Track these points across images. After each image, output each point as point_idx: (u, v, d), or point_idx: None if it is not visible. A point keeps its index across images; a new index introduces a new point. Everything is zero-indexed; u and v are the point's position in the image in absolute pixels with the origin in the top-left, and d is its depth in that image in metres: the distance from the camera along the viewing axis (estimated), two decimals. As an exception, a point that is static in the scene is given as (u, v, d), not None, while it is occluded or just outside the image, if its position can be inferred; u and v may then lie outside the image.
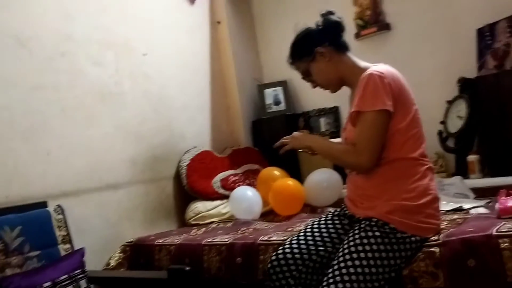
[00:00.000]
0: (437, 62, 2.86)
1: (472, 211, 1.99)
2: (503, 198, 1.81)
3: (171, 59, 3.05)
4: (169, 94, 3.00)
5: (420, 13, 2.93)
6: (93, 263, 2.30)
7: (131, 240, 2.52)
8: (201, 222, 2.78)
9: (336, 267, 1.51)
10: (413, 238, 1.55)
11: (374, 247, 1.51)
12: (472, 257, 1.45)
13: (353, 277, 1.46)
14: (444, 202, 2.20)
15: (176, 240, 2.36)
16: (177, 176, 2.91)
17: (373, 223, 1.56)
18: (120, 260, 2.46)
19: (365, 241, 1.52)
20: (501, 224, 1.55)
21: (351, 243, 1.54)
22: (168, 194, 2.88)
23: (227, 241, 2.16)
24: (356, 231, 1.57)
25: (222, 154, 3.17)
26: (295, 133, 1.84)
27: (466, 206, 2.10)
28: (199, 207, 2.81)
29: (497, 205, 1.79)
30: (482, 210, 2.00)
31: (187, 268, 1.74)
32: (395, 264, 1.53)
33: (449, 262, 1.49)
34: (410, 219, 1.56)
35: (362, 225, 1.58)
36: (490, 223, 1.60)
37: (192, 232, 2.57)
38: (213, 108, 3.33)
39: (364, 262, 1.48)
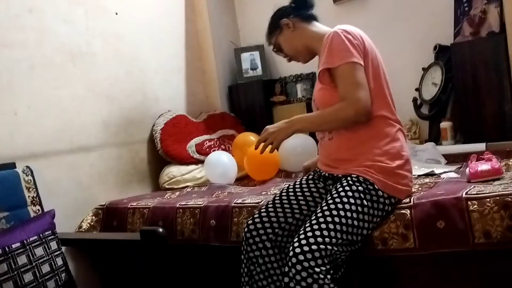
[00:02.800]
0: (414, 29, 2.85)
1: (443, 176, 2.03)
2: (473, 162, 1.84)
3: (144, 20, 2.96)
4: (142, 55, 2.91)
5: (398, -22, 2.90)
6: (65, 226, 2.28)
7: (104, 203, 2.49)
8: (175, 187, 2.76)
9: (314, 220, 1.49)
10: (389, 200, 1.58)
11: (358, 201, 1.52)
12: (442, 219, 1.48)
13: (331, 226, 1.46)
14: (416, 167, 2.23)
15: (149, 203, 2.34)
16: (151, 140, 2.87)
17: (354, 179, 1.58)
18: (92, 223, 2.44)
19: (348, 194, 1.53)
20: (471, 187, 1.58)
21: (331, 199, 1.54)
22: (142, 158, 2.84)
23: (201, 204, 2.15)
24: (338, 187, 1.58)
25: (197, 119, 3.13)
26: (269, 127, 1.72)
27: (437, 171, 2.14)
28: (174, 171, 2.79)
29: (467, 170, 1.82)
30: (453, 174, 2.04)
31: (160, 230, 1.72)
32: (372, 221, 1.55)
33: (419, 224, 1.51)
34: (387, 179, 1.58)
35: (344, 182, 1.59)
36: (461, 186, 1.63)
37: (166, 196, 2.56)
38: (188, 72, 3.27)
39: (347, 214, 1.49)
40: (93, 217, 2.46)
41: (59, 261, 1.85)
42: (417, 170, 2.21)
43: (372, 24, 3.00)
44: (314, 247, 1.42)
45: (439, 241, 1.47)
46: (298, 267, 1.40)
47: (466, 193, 1.51)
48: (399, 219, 1.55)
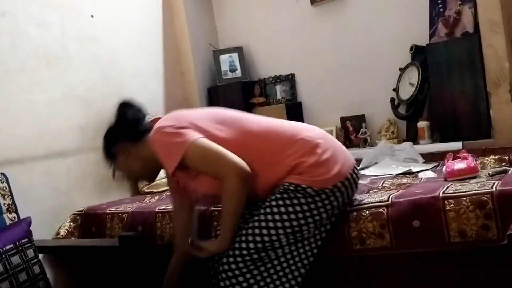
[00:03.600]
0: (391, 30, 2.89)
1: (421, 175, 2.05)
2: (450, 161, 1.87)
3: (121, 22, 2.93)
4: (119, 58, 2.88)
5: (375, -20, 2.93)
6: (43, 233, 2.24)
7: (82, 209, 2.46)
8: (155, 190, 2.74)
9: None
10: (317, 194, 1.54)
11: (282, 209, 1.52)
12: (417, 218, 1.49)
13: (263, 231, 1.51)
14: (393, 166, 2.26)
15: (128, 208, 2.32)
16: (130, 143, 2.83)
17: (279, 191, 1.56)
18: (70, 230, 2.40)
19: (268, 210, 1.54)
20: (448, 186, 1.60)
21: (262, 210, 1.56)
22: (120, 162, 2.81)
23: (181, 208, 2.13)
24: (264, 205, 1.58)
25: (176, 122, 3.11)
26: (213, 250, 1.60)
27: (415, 169, 2.16)
28: (153, 175, 2.76)
29: (444, 169, 1.85)
30: (429, 173, 2.06)
31: (137, 235, 1.71)
32: (311, 222, 1.54)
33: (394, 223, 1.53)
34: (311, 177, 1.55)
35: (271, 198, 1.58)
36: (438, 185, 1.65)
37: (145, 200, 2.53)
38: (166, 74, 3.24)
39: (271, 224, 1.52)
40: (71, 223, 2.42)
41: (37, 269, 1.83)
42: (395, 169, 2.24)
43: (350, 26, 3.04)
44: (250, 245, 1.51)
45: (415, 240, 1.49)
46: None
47: (443, 192, 1.53)
48: (376, 219, 1.56)
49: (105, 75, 2.77)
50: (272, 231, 1.52)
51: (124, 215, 2.27)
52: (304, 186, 1.53)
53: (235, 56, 3.43)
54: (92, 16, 2.73)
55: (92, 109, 2.66)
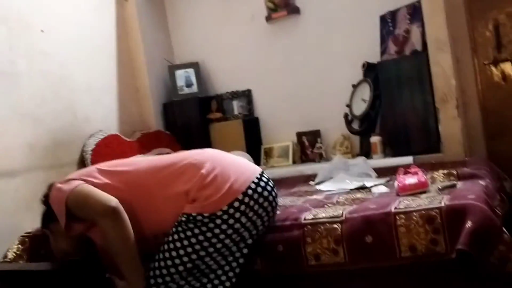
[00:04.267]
0: (344, 47, 2.96)
1: (374, 189, 2.09)
2: (401, 176, 1.92)
3: (72, 37, 2.86)
4: (70, 74, 2.80)
5: (327, -1, 3.00)
6: (-12, 257, 2.13)
7: (30, 231, 2.35)
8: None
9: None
10: (199, 218, 1.48)
11: (178, 244, 1.49)
12: (370, 234, 1.52)
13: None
14: (347, 181, 2.29)
15: (80, 229, 2.24)
16: (82, 161, 2.76)
17: (172, 231, 1.52)
18: (18, 252, 2.28)
19: (165, 247, 1.51)
20: (400, 202, 1.63)
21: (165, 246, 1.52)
22: (72, 180, 2.72)
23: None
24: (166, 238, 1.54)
25: (130, 138, 3.05)
26: None
27: (368, 184, 2.20)
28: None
29: (396, 183, 1.89)
30: (382, 188, 2.11)
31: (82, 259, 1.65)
32: (211, 249, 1.50)
33: (348, 239, 1.54)
34: (193, 208, 1.50)
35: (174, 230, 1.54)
36: (390, 200, 1.68)
37: (99, 220, 2.45)
38: (120, 90, 3.18)
39: (169, 262, 1.49)
40: (19, 246, 2.30)
41: (-20, 296, 1.72)
42: (349, 184, 2.27)
43: (304, 43, 3.09)
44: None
45: (367, 256, 1.51)
46: None
47: (395, 208, 1.56)
48: (330, 235, 1.57)
49: (56, 91, 2.69)
50: (172, 269, 1.48)
51: (75, 236, 2.19)
52: (194, 214, 1.47)
53: (191, 71, 3.41)
54: (42, 31, 2.65)
55: (41, 126, 2.57)
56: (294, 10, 3.08)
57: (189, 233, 1.47)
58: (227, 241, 1.49)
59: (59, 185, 1.59)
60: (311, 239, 1.60)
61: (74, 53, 2.85)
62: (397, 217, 1.52)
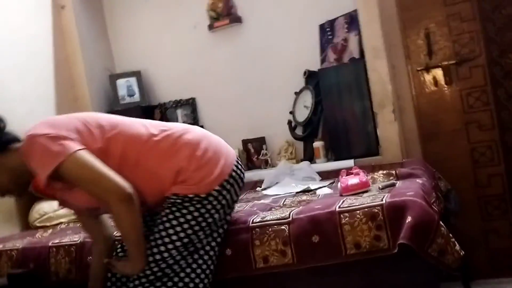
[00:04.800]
0: (286, 55, 3.02)
1: (318, 191, 2.14)
2: (343, 177, 1.98)
3: (5, 45, 2.72)
4: (3, 83, 2.66)
5: (268, 8, 3.06)
6: None
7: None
8: (48, 224, 2.54)
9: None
10: (196, 198, 1.54)
11: (174, 222, 1.54)
12: (316, 233, 1.55)
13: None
14: (293, 185, 2.34)
15: (17, 244, 2.12)
16: (18, 174, 2.62)
17: (163, 209, 1.57)
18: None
19: (161, 227, 1.55)
20: (343, 201, 1.68)
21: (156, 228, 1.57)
22: (7, 195, 2.57)
23: (77, 240, 2.00)
24: (158, 218, 1.58)
25: (70, 149, 2.94)
26: (128, 272, 1.57)
27: (313, 187, 2.26)
28: (45, 207, 2.57)
29: (339, 185, 1.95)
30: (326, 190, 2.16)
31: (28, 272, 1.57)
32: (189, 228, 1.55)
33: (295, 239, 1.57)
34: (188, 189, 1.54)
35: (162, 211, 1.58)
36: (334, 200, 1.73)
37: (37, 235, 2.34)
38: (58, 99, 3.06)
39: (167, 239, 1.53)
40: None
41: None
42: (295, 187, 2.32)
43: (247, 51, 3.13)
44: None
45: (315, 255, 1.54)
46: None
47: (339, 207, 1.61)
48: (278, 236, 1.59)
49: (-14, 101, 2.55)
50: (170, 245, 1.53)
51: (13, 252, 2.08)
52: (191, 196, 1.53)
53: (133, 80, 3.35)
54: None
55: (-28, 138, 2.42)
56: (236, 19, 3.11)
57: (184, 211, 1.53)
58: (216, 215, 1.58)
59: (43, 138, 1.44)
60: (259, 241, 1.62)
61: (6, 60, 2.71)
62: (342, 216, 1.57)
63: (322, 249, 1.54)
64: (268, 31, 3.07)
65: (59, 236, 2.17)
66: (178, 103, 3.33)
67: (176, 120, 3.31)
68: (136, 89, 3.35)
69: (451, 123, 2.60)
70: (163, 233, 1.54)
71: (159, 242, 1.54)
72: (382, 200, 1.57)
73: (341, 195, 1.86)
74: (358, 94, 2.64)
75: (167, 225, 1.54)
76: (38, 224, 2.55)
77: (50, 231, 2.40)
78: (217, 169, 1.57)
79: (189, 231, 1.54)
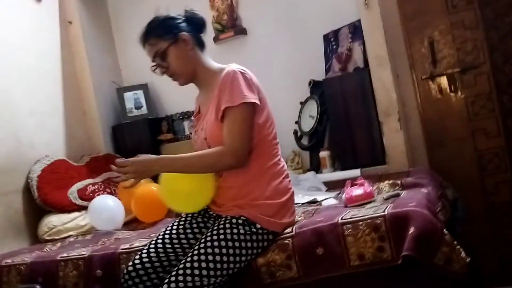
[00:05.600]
0: (290, 66, 3.04)
1: (324, 203, 2.14)
2: (348, 188, 1.98)
3: (13, 61, 2.77)
4: (12, 98, 2.71)
5: (272, 19, 3.08)
6: None
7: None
8: (56, 237, 2.57)
9: (189, 258, 1.51)
10: (270, 235, 1.62)
11: (237, 243, 1.54)
12: (320, 246, 1.55)
13: (204, 265, 1.49)
14: (300, 196, 2.34)
15: (26, 258, 2.15)
16: (27, 188, 2.66)
17: (239, 221, 1.58)
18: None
19: (228, 236, 1.54)
20: (346, 212, 1.68)
21: (210, 238, 1.54)
22: (16, 209, 2.61)
23: (85, 254, 2.02)
24: (221, 226, 1.58)
25: (79, 163, 2.98)
26: (138, 164, 1.61)
27: (319, 198, 2.26)
28: (54, 221, 2.60)
29: (344, 195, 1.95)
30: (332, 201, 2.16)
31: (37, 286, 1.58)
32: (249, 255, 1.58)
33: (300, 253, 1.57)
34: (273, 217, 1.62)
35: (227, 222, 1.58)
36: (338, 212, 1.74)
37: (46, 248, 2.37)
38: (67, 114, 3.10)
39: (223, 254, 1.51)
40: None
41: None
42: (301, 198, 2.32)
43: (252, 63, 3.10)
44: (189, 284, 1.45)
45: (319, 267, 1.54)
46: None
47: (342, 218, 1.61)
48: (282, 251, 1.60)
49: (-2, 117, 2.60)
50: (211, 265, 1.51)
51: (21, 267, 2.10)
52: (260, 227, 1.59)
53: (140, 93, 3.39)
54: (-20, 55, 2.57)
55: (-18, 153, 2.46)
56: (241, 31, 3.14)
57: (241, 237, 1.56)
58: (256, 253, 1.61)
59: (247, 83, 1.63)
60: (263, 258, 1.62)
61: (16, 77, 2.76)
62: (344, 227, 1.57)
63: (326, 261, 1.54)
64: (273, 42, 3.09)
65: (67, 249, 2.20)
66: (185, 115, 3.35)
67: (183, 131, 3.34)
68: (143, 101, 3.39)
69: (457, 131, 2.59)
70: (210, 250, 1.52)
71: (202, 258, 1.51)
72: (384, 211, 1.56)
73: (345, 206, 1.87)
74: (363, 103, 2.64)
75: (222, 243, 1.53)
76: (47, 238, 2.58)
77: (59, 244, 2.43)
78: (292, 215, 1.75)
79: (237, 258, 1.54)
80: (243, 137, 1.58)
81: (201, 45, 1.76)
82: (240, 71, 1.65)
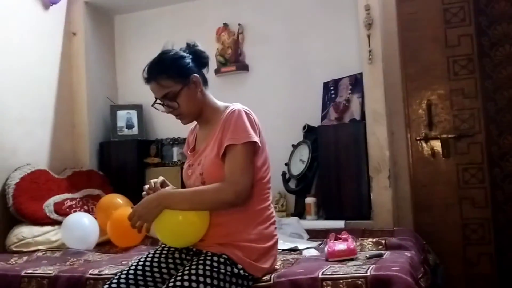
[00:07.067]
0: (287, 107, 3.04)
1: (305, 252, 2.09)
2: (332, 241, 1.94)
3: (8, 65, 2.73)
4: (2, 103, 2.66)
5: (276, 60, 3.11)
6: None
7: None
8: (24, 250, 2.47)
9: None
10: (250, 279, 1.56)
11: (215, 281, 1.47)
12: (297, 299, 1.50)
13: None
14: (281, 241, 2.28)
15: (-12, 269, 2.05)
16: (3, 195, 2.57)
17: (221, 259, 1.53)
18: None
19: (207, 273, 1.48)
20: (327, 267, 1.64)
21: (188, 273, 1.48)
22: (-12, 214, 2.52)
23: (51, 273, 1.93)
24: (200, 261, 1.52)
25: (60, 175, 2.90)
26: (138, 210, 1.57)
27: (300, 246, 2.21)
28: (24, 232, 2.50)
29: (326, 248, 1.90)
30: (313, 251, 2.11)
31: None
32: None
33: (276, 303, 1.52)
34: (256, 261, 1.57)
35: (207, 259, 1.52)
36: (318, 265, 1.69)
37: (11, 260, 2.28)
38: (56, 124, 3.04)
39: (194, 285, 1.45)
40: None
41: None
42: (282, 244, 2.26)
43: (250, 99, 3.11)
44: None
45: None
46: None
47: (323, 273, 1.56)
48: (258, 299, 1.54)
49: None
50: None
51: (-18, 279, 2.00)
52: (241, 268, 1.54)
53: (133, 113, 3.35)
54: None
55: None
56: (243, 67, 3.15)
57: (221, 276, 1.50)
58: None
59: (250, 122, 1.63)
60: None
61: (8, 81, 2.71)
62: (324, 283, 1.52)
63: (302, 316, 1.49)
64: (273, 83, 3.10)
65: (34, 265, 2.11)
66: (175, 141, 3.32)
67: (171, 157, 3.29)
68: (135, 122, 3.35)
69: (445, 196, 2.59)
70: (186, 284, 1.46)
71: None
72: (366, 272, 1.52)
73: (326, 260, 1.82)
74: (355, 156, 2.63)
75: (200, 279, 1.47)
76: (14, 249, 2.48)
77: (25, 258, 2.33)
78: (275, 262, 1.72)
79: None
80: (244, 174, 1.57)
81: (205, 82, 1.75)
82: (245, 111, 1.65)
